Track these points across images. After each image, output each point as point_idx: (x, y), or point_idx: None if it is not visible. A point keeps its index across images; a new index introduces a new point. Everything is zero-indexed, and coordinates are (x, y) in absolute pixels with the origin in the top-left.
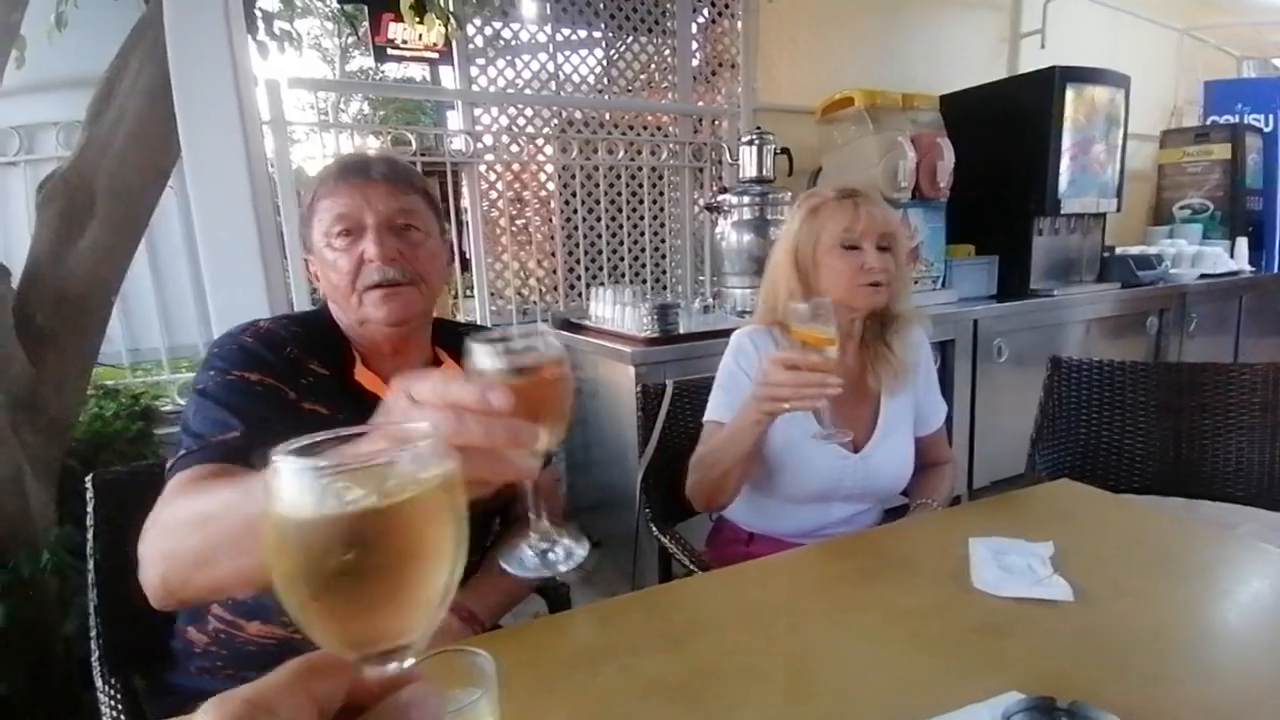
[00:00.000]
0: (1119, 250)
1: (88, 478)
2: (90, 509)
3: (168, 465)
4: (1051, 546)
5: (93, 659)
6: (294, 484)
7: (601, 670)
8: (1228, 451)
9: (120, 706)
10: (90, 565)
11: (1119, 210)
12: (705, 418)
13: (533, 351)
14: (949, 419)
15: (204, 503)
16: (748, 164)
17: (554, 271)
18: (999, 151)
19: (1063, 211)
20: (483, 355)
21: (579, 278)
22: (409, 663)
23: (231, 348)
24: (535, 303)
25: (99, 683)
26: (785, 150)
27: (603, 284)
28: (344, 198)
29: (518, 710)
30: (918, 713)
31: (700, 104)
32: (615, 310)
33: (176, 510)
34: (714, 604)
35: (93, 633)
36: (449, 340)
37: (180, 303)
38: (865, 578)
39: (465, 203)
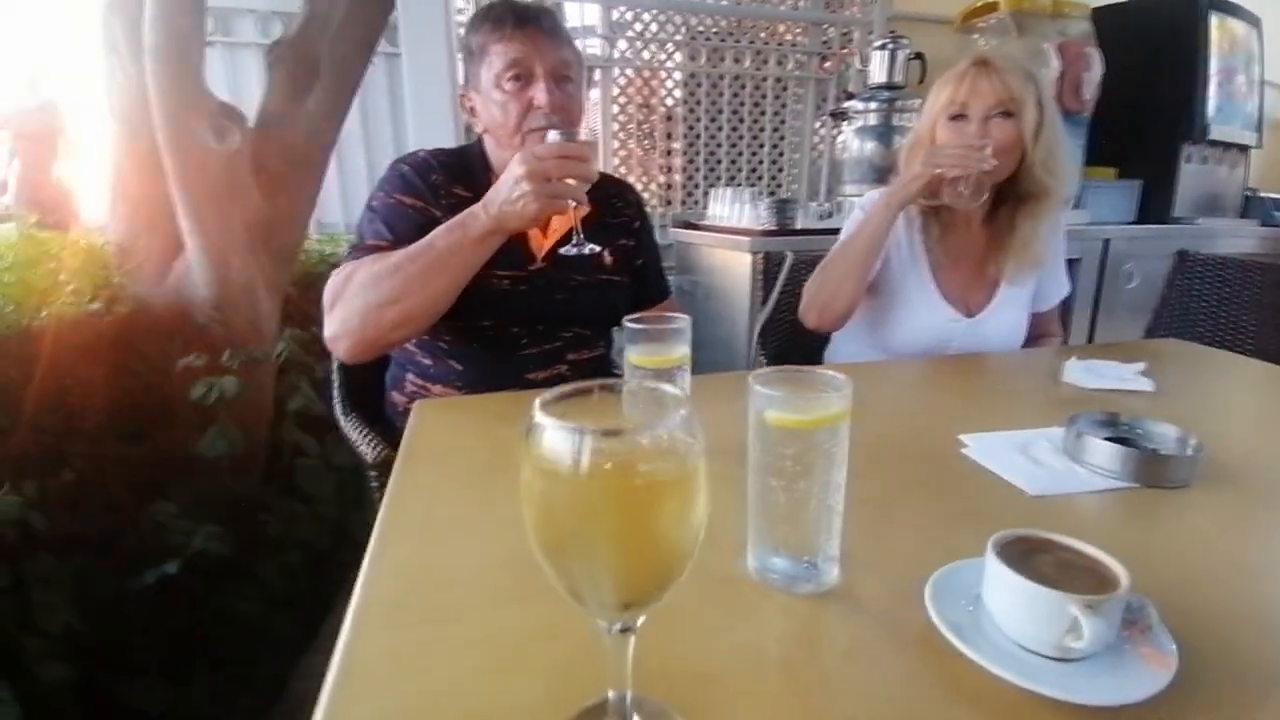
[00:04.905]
0: (1262, 193)
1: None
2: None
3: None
4: (1143, 365)
5: (334, 401)
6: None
7: None
8: None
9: (362, 428)
10: None
11: (1259, 145)
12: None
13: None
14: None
15: (390, 261)
16: (878, 69)
17: (674, 175)
18: (1149, 71)
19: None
20: (553, 133)
21: (697, 185)
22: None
23: (394, 174)
24: (655, 207)
25: (341, 418)
26: (919, 55)
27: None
28: (518, 44)
29: None
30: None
31: (831, 13)
32: (734, 209)
33: (371, 270)
34: None
35: (335, 381)
36: None
37: (356, 184)
38: (969, 376)
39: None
